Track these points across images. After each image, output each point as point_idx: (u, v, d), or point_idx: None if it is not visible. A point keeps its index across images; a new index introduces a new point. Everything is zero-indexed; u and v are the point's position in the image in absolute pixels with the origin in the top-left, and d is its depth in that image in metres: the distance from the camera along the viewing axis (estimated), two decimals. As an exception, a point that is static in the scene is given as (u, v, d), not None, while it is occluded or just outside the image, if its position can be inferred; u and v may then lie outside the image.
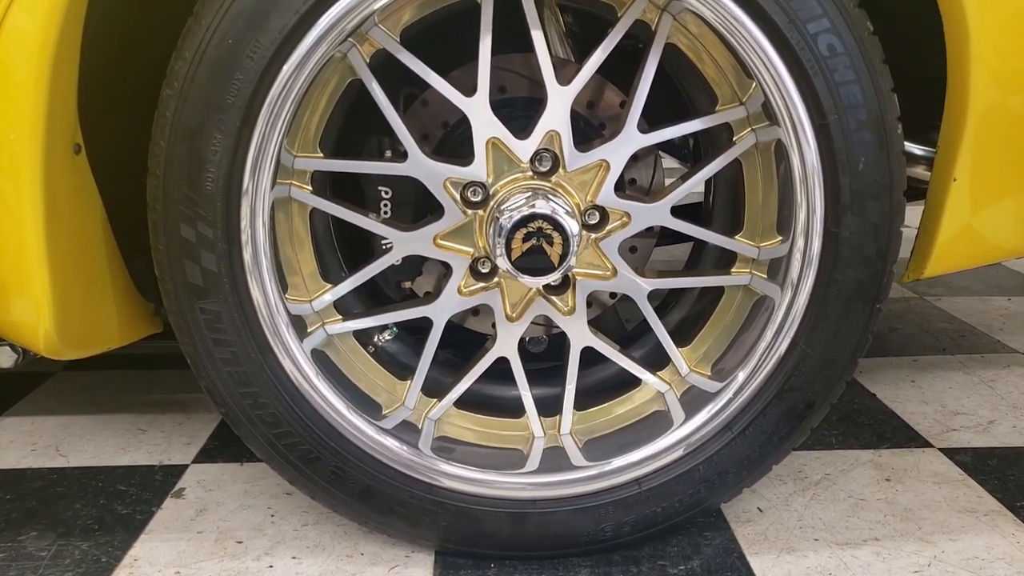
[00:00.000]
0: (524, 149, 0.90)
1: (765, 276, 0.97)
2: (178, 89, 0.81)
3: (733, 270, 0.99)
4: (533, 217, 0.87)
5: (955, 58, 0.88)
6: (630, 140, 0.90)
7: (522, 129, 0.91)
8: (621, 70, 0.99)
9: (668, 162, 1.18)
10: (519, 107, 1.04)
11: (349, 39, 0.85)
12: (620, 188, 0.96)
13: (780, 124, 0.86)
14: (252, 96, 0.81)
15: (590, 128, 1.06)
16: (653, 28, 0.89)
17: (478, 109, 0.88)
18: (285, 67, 0.81)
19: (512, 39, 0.93)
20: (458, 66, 1.01)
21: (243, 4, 0.79)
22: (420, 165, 0.90)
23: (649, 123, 1.05)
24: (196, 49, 0.80)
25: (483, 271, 0.95)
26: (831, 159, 0.85)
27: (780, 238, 0.95)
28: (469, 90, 0.88)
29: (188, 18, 0.82)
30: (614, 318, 1.18)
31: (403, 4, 0.85)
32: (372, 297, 1.09)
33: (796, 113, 0.84)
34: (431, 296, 1.03)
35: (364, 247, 1.06)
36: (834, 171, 0.86)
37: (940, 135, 0.93)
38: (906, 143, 1.13)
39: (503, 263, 0.90)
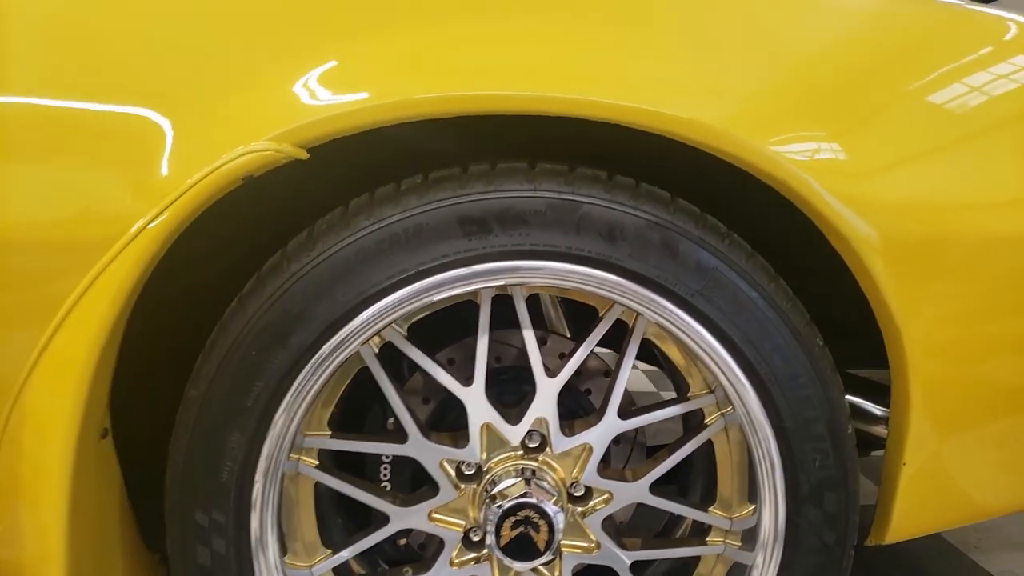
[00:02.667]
0: (515, 433, 0.99)
1: (738, 545, 1.03)
2: (203, 391, 0.91)
3: (708, 539, 1.06)
4: (521, 507, 0.94)
5: (892, 351, 0.98)
6: (611, 426, 1.00)
7: (515, 404, 1.01)
8: (607, 342, 1.10)
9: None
10: (512, 375, 1.15)
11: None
12: (605, 460, 1.04)
13: (743, 425, 0.96)
14: (270, 400, 0.90)
15: (577, 394, 1.16)
16: (630, 326, 1.00)
17: (474, 399, 0.98)
18: (302, 374, 0.91)
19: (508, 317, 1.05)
20: (459, 339, 1.13)
21: (268, 321, 0.90)
22: (419, 446, 0.98)
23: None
24: (223, 357, 0.91)
25: (474, 540, 1.01)
26: (790, 457, 0.94)
27: (752, 507, 1.02)
28: (467, 370, 0.98)
29: (215, 328, 0.92)
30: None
31: (410, 311, 0.96)
32: (367, 550, 1.14)
33: (756, 417, 0.94)
34: (425, 555, 1.09)
35: (365, 508, 1.12)
36: (793, 468, 0.95)
37: (889, 422, 1.02)
38: (864, 402, 1.25)
39: (491, 539, 0.96)
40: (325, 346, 0.91)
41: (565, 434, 1.00)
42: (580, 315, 1.10)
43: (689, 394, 1.04)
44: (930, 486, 1.04)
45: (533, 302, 1.13)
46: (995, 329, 1.02)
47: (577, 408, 1.14)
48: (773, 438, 0.94)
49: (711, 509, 1.06)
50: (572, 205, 0.90)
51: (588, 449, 1.00)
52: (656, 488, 1.03)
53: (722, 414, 1.02)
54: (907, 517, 1.04)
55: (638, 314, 0.98)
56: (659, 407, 1.03)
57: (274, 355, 0.90)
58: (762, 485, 0.96)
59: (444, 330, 1.13)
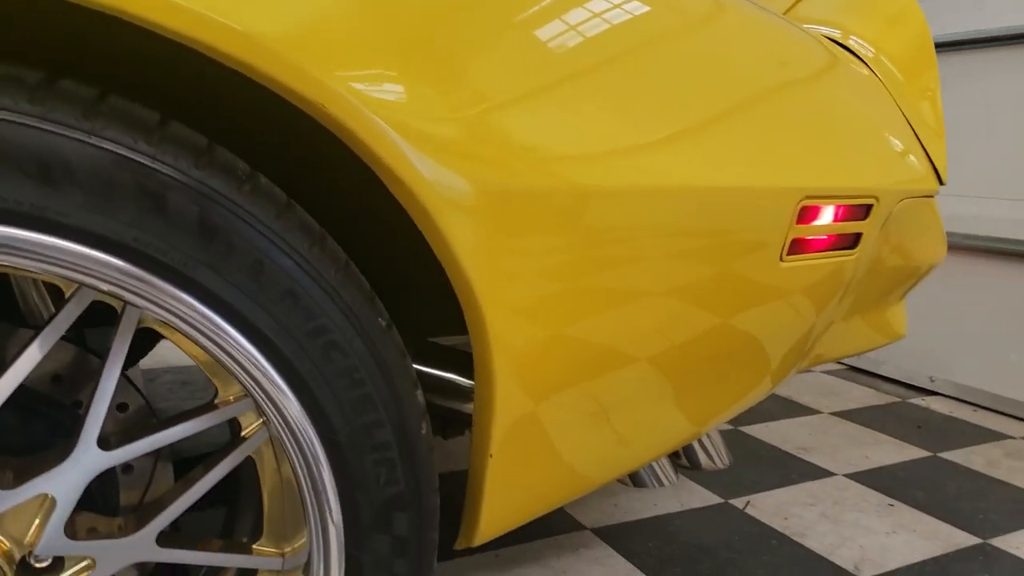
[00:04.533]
0: (-95, 496, 0.61)
1: (297, 586, 0.80)
2: None
3: (257, 584, 0.80)
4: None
5: (471, 320, 0.82)
6: (86, 463, 0.67)
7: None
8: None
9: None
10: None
11: None
12: (93, 504, 0.71)
13: (283, 437, 0.71)
14: None
15: (54, 408, 0.80)
16: (118, 314, 0.68)
17: None
18: None
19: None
20: None
21: None
22: None
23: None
24: None
25: None
26: (346, 475, 0.72)
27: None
28: None
29: None
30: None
31: None
32: None
33: (299, 426, 0.70)
34: None
35: None
36: (351, 488, 0.73)
37: (474, 415, 0.87)
38: (454, 376, 1.10)
39: None
40: None
41: (5, 484, 0.64)
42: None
43: (217, 400, 0.75)
44: (527, 468, 0.92)
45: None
46: (588, 287, 0.92)
47: (50, 433, 0.78)
48: (323, 452, 0.71)
49: (257, 546, 0.80)
50: (-35, 121, 0.53)
51: (48, 503, 0.66)
52: (174, 536, 0.73)
53: (264, 423, 0.76)
54: (496, 515, 0.91)
55: (126, 303, 0.66)
56: (175, 421, 0.73)
57: None
58: (311, 516, 0.73)
59: None
